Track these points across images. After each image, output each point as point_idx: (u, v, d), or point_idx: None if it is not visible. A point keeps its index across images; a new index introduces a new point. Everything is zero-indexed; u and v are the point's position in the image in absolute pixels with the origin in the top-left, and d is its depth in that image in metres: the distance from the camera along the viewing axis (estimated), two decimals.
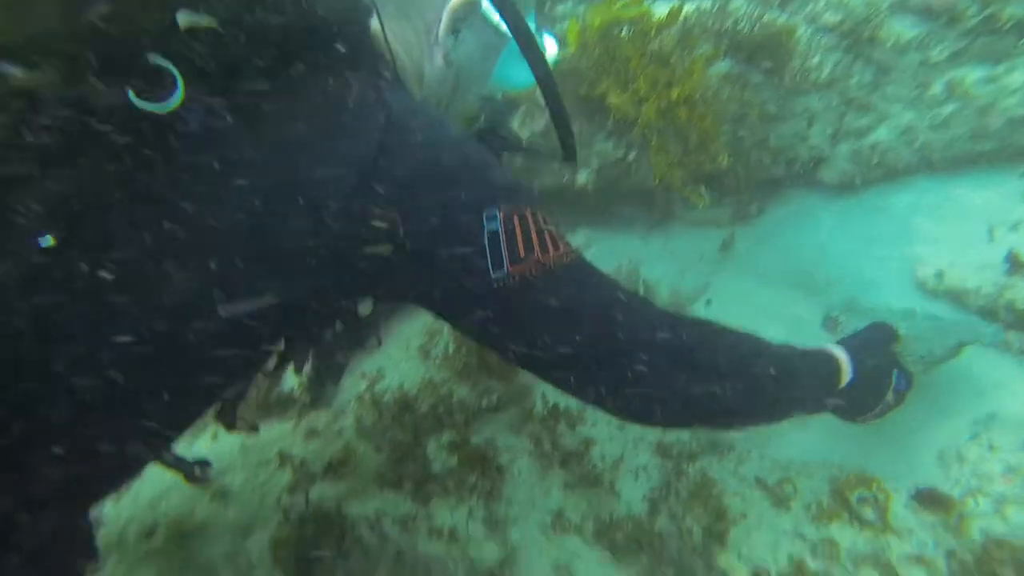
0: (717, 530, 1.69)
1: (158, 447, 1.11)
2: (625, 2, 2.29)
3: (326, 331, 1.29)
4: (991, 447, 1.70)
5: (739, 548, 1.64)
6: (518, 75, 1.46)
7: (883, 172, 2.34)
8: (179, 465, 1.33)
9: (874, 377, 1.48)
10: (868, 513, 1.61)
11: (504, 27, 1.28)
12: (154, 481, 1.93)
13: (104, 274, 0.80)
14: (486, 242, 0.98)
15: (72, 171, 0.78)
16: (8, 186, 0.76)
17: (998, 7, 2.01)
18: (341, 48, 0.99)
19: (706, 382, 1.16)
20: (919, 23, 2.17)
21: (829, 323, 2.16)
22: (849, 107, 2.31)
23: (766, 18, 2.28)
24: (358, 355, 1.90)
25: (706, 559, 1.63)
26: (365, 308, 1.61)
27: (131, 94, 0.78)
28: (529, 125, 2.54)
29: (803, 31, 2.30)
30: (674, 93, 2.16)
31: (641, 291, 2.41)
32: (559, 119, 1.22)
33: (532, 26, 1.41)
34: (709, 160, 2.15)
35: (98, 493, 1.03)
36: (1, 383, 0.79)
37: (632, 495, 1.86)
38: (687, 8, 2.36)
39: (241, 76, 0.87)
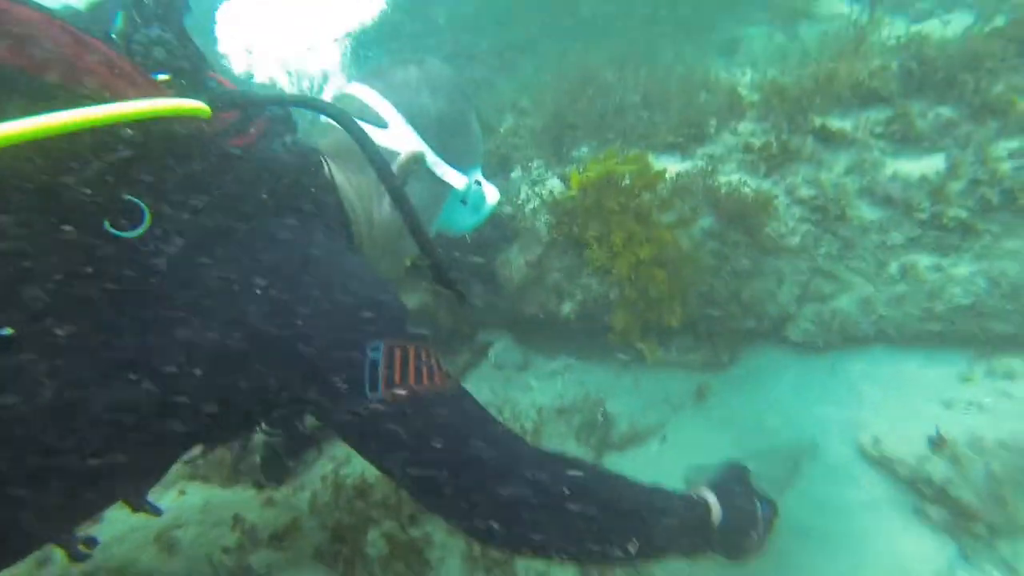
0: None
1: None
2: (625, 157, 2.58)
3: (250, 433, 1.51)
4: None
5: None
6: (460, 221, 1.72)
7: (842, 338, 2.45)
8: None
9: (741, 513, 1.54)
10: None
11: (447, 178, 1.57)
12: (113, 524, 2.09)
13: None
14: (367, 368, 1.13)
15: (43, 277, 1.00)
16: None
17: (943, 207, 2.21)
18: (289, 195, 1.28)
19: (578, 519, 1.22)
20: (880, 209, 2.37)
21: None
22: (815, 274, 2.48)
23: (750, 184, 2.52)
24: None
25: None
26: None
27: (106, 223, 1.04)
28: (525, 253, 2.81)
29: (781, 200, 2.52)
30: (643, 252, 2.37)
31: (600, 421, 2.52)
32: (440, 276, 1.51)
33: (477, 176, 1.70)
34: (664, 317, 2.33)
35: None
36: None
37: None
38: (681, 167, 2.64)
39: (202, 214, 1.14)
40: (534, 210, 2.81)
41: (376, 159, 1.38)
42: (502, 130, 3.17)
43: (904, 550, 1.91)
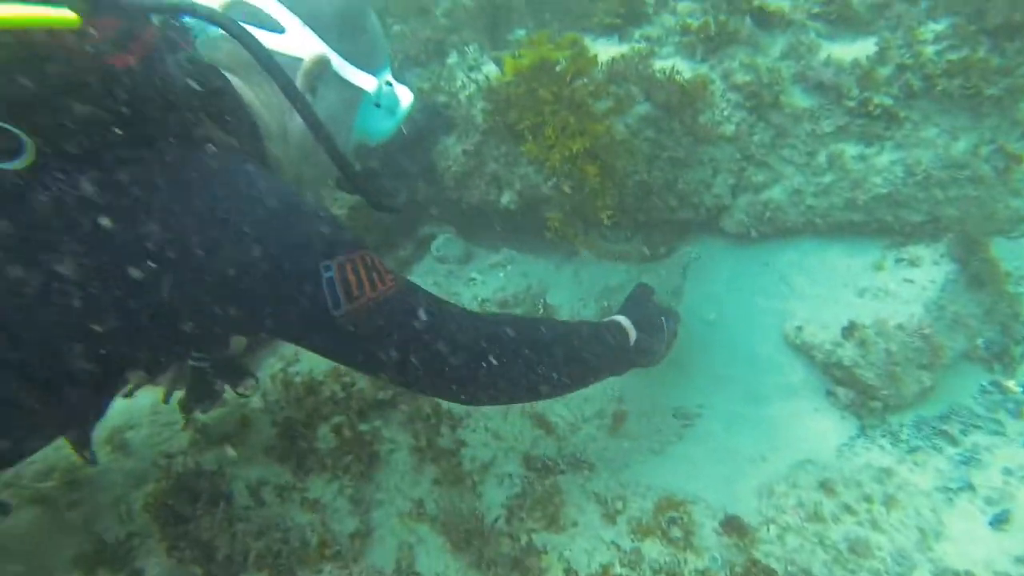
0: (548, 533, 1.90)
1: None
2: (558, 41, 2.47)
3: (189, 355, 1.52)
4: (794, 485, 1.91)
5: (562, 550, 1.84)
6: (376, 126, 1.68)
7: (774, 228, 2.53)
8: None
9: (652, 329, 1.95)
10: (676, 532, 1.81)
11: (357, 81, 1.49)
12: None
13: None
14: (325, 288, 1.24)
15: None
16: None
17: (870, 94, 2.21)
18: (198, 115, 1.22)
19: (535, 364, 1.53)
20: (813, 96, 2.36)
21: None
22: (749, 163, 2.50)
23: (686, 69, 2.46)
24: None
25: (529, 558, 1.83)
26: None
27: None
28: (463, 142, 2.74)
29: (717, 86, 2.48)
30: (576, 145, 2.33)
31: (541, 311, 2.61)
32: (356, 186, 1.50)
33: (387, 76, 1.62)
34: (597, 213, 2.34)
35: None
36: None
37: (490, 496, 2.05)
38: (617, 50, 2.54)
39: (102, 143, 1.08)
40: (470, 97, 2.71)
41: (274, 70, 1.29)
42: (438, 12, 2.97)
43: (815, 429, 2.11)
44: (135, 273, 1.11)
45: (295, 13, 1.43)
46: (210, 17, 1.26)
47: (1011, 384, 2.09)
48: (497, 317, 1.63)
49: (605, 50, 2.53)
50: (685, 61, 2.49)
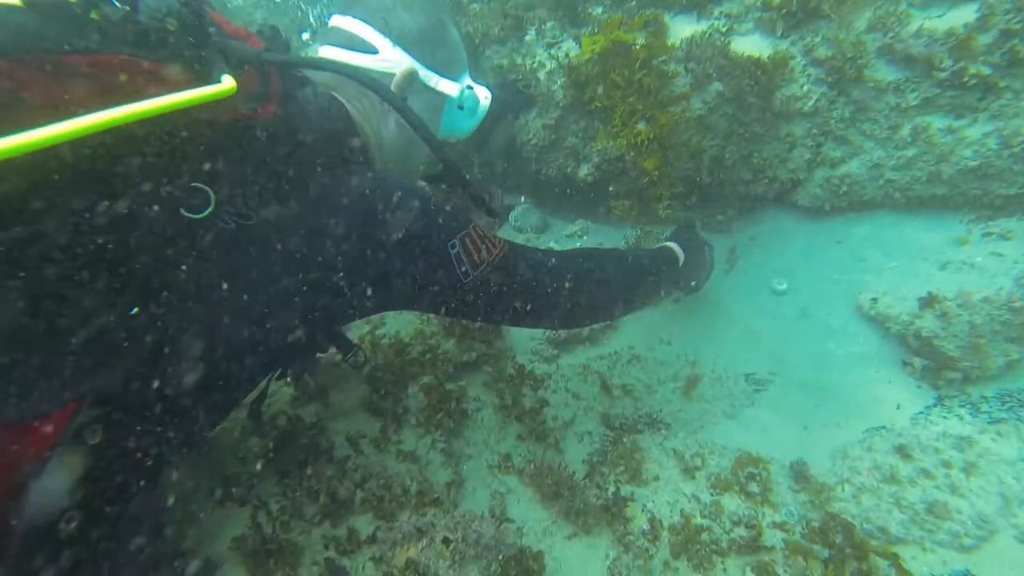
0: (631, 486, 2.01)
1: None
2: (632, 22, 2.51)
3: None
4: (869, 448, 1.97)
5: (645, 502, 1.96)
6: (460, 125, 1.92)
7: (849, 202, 2.55)
8: None
9: (697, 255, 2.31)
10: (754, 487, 1.91)
11: (441, 88, 1.69)
12: None
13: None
14: (454, 260, 1.51)
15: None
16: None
17: (965, 64, 2.19)
18: (337, 148, 1.46)
19: (614, 288, 1.86)
20: (899, 69, 2.35)
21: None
22: (827, 138, 2.52)
23: (766, 45, 2.49)
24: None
25: (615, 508, 1.95)
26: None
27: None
28: (543, 116, 2.83)
29: (798, 61, 2.50)
30: (642, 134, 2.41)
31: None
32: (463, 185, 1.66)
33: (467, 81, 1.77)
34: (653, 203, 2.44)
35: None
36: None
37: (571, 452, 2.18)
38: (696, 28, 2.58)
39: (264, 184, 1.30)
40: (550, 73, 2.79)
41: (384, 94, 1.47)
42: None
43: (889, 398, 2.16)
44: (312, 276, 1.37)
45: (385, 34, 1.64)
46: (335, 70, 1.47)
47: None
48: (579, 252, 1.92)
49: (684, 28, 2.57)
50: (765, 37, 2.51)
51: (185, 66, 1.18)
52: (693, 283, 2.34)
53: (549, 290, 1.69)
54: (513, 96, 2.83)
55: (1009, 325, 2.06)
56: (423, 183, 1.92)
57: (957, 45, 2.21)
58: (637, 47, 2.37)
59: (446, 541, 1.76)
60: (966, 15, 2.23)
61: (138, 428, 1.24)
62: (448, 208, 1.56)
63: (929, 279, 2.20)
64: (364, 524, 1.93)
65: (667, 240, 2.29)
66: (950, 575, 1.72)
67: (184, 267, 1.21)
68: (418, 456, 2.15)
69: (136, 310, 1.15)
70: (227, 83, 1.19)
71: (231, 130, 1.26)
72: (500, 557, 1.77)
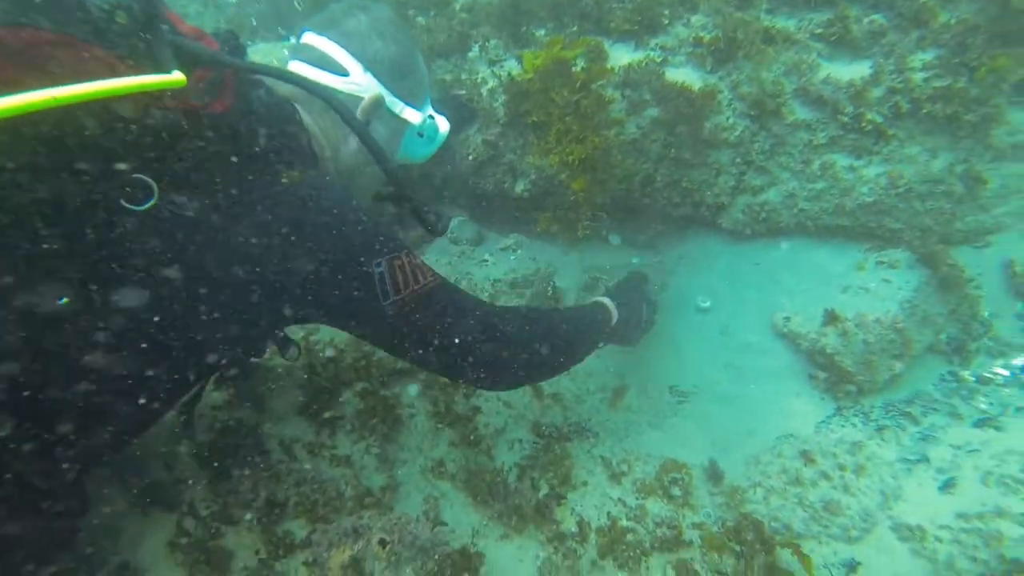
0: (560, 491, 2.10)
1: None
2: (572, 43, 2.63)
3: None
4: (779, 455, 2.16)
5: (574, 505, 2.06)
6: (419, 151, 1.98)
7: (767, 227, 2.76)
8: None
9: (632, 313, 2.31)
10: (676, 491, 2.04)
11: (405, 115, 1.77)
12: None
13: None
14: (376, 283, 1.49)
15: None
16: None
17: (863, 112, 2.45)
18: (278, 144, 1.45)
19: (542, 350, 1.82)
20: (811, 110, 2.59)
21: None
22: (749, 167, 2.73)
23: (696, 78, 2.67)
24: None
25: (545, 511, 2.03)
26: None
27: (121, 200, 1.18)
28: (484, 132, 2.91)
29: (724, 95, 2.69)
30: (573, 153, 2.53)
31: (550, 294, 2.80)
32: (412, 208, 1.69)
33: (429, 110, 1.85)
34: (577, 226, 2.58)
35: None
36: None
37: (503, 459, 2.25)
38: (633, 56, 2.74)
39: (205, 179, 1.29)
40: (491, 91, 2.88)
41: (348, 117, 1.51)
42: (457, 7, 3.12)
43: (795, 408, 2.37)
44: (237, 275, 1.35)
45: (357, 58, 1.68)
46: (297, 82, 1.50)
47: (966, 374, 2.37)
48: (509, 309, 1.88)
49: (621, 56, 2.72)
50: (696, 71, 2.70)
51: (134, 57, 1.17)
52: (634, 338, 2.37)
53: (471, 339, 1.65)
54: (455, 111, 2.90)
55: (894, 343, 2.31)
56: (371, 202, 1.95)
57: (855, 95, 2.47)
58: (578, 69, 2.49)
59: (382, 542, 1.79)
60: (863, 69, 2.50)
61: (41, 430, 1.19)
62: (384, 229, 1.56)
63: (833, 301, 2.43)
64: (298, 528, 1.93)
65: (604, 296, 2.28)
66: (841, 562, 1.90)
67: (118, 257, 1.19)
68: (352, 461, 2.17)
69: (65, 300, 1.12)
70: (177, 76, 1.19)
71: (177, 122, 1.25)
72: (436, 557, 1.82)
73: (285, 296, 1.45)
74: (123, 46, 1.17)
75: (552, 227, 2.78)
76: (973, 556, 1.80)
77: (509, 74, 2.83)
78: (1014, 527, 1.83)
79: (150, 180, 1.20)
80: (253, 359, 1.97)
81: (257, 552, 1.86)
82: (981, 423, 2.19)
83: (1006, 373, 2.28)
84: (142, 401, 1.34)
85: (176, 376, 1.40)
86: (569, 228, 2.80)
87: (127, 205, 1.17)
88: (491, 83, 2.88)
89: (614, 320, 2.20)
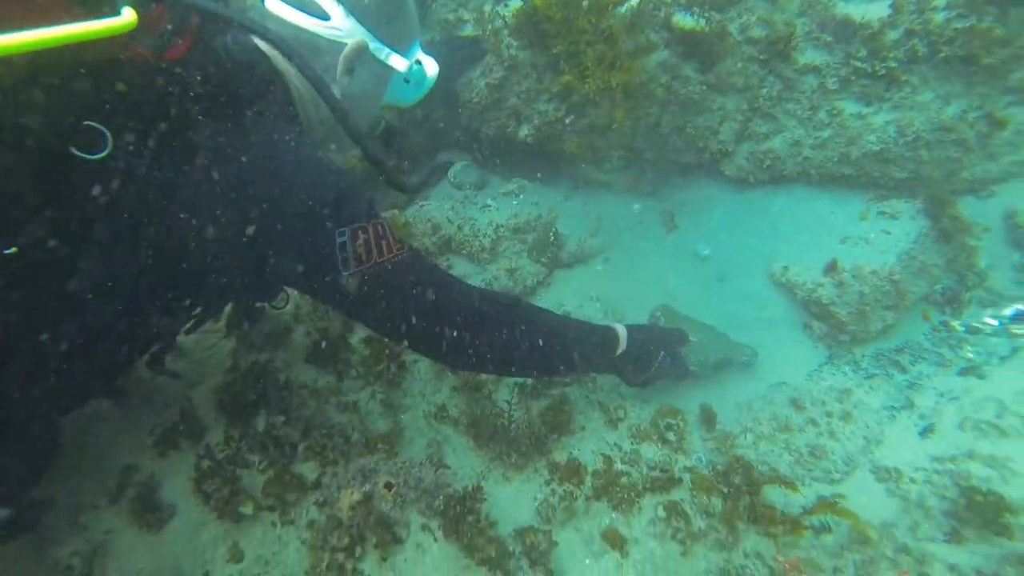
0: (558, 434, 2.20)
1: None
2: None
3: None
4: (770, 402, 2.24)
5: (570, 449, 2.15)
6: (406, 96, 1.90)
7: (771, 175, 2.75)
8: None
9: (643, 352, 2.06)
10: (671, 436, 2.13)
11: (391, 62, 1.69)
12: None
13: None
14: (338, 251, 1.43)
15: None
16: None
17: (877, 55, 2.39)
18: (241, 94, 1.39)
19: (519, 343, 1.71)
20: (823, 53, 2.52)
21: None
22: (755, 114, 2.69)
23: (704, 22, 2.59)
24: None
25: (543, 452, 2.13)
26: None
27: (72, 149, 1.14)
28: (487, 76, 2.85)
29: (734, 38, 2.62)
30: (614, 79, 2.47)
31: (551, 240, 2.82)
32: (374, 162, 1.60)
33: (417, 54, 1.78)
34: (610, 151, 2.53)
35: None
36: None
37: (502, 404, 2.32)
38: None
39: (160, 121, 1.24)
40: (496, 30, 2.80)
41: (309, 74, 1.45)
42: None
43: (791, 356, 2.43)
44: (194, 228, 1.32)
45: (342, 1, 1.59)
46: (261, 35, 1.42)
47: (956, 324, 2.42)
48: (490, 294, 1.80)
49: None
50: (704, 15, 2.61)
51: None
52: (638, 378, 2.10)
53: (448, 324, 1.60)
54: (458, 52, 2.83)
55: (888, 295, 2.35)
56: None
57: (871, 36, 2.39)
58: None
59: (388, 485, 1.89)
60: (880, 9, 2.41)
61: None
62: (350, 191, 1.49)
63: (832, 252, 2.45)
64: (308, 471, 2.04)
65: (621, 323, 2.08)
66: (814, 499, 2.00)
67: (72, 208, 1.17)
68: (359, 407, 2.25)
69: (14, 250, 1.11)
70: (126, 16, 1.14)
71: (130, 69, 1.20)
72: (440, 498, 1.93)
73: (247, 254, 1.41)
74: None
75: (583, 150, 2.72)
76: (942, 495, 1.91)
77: (523, 6, 2.72)
78: (982, 468, 1.93)
79: (103, 128, 1.16)
80: (258, 304, 2.02)
81: (270, 494, 1.97)
82: (965, 371, 2.25)
83: (995, 323, 2.32)
84: (102, 350, 1.34)
85: (134, 329, 1.39)
86: (599, 151, 2.75)
87: (79, 154, 1.14)
88: (496, 23, 2.79)
89: (620, 349, 2.01)
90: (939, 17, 2.33)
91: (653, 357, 2.09)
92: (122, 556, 1.83)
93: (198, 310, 1.61)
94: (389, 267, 1.50)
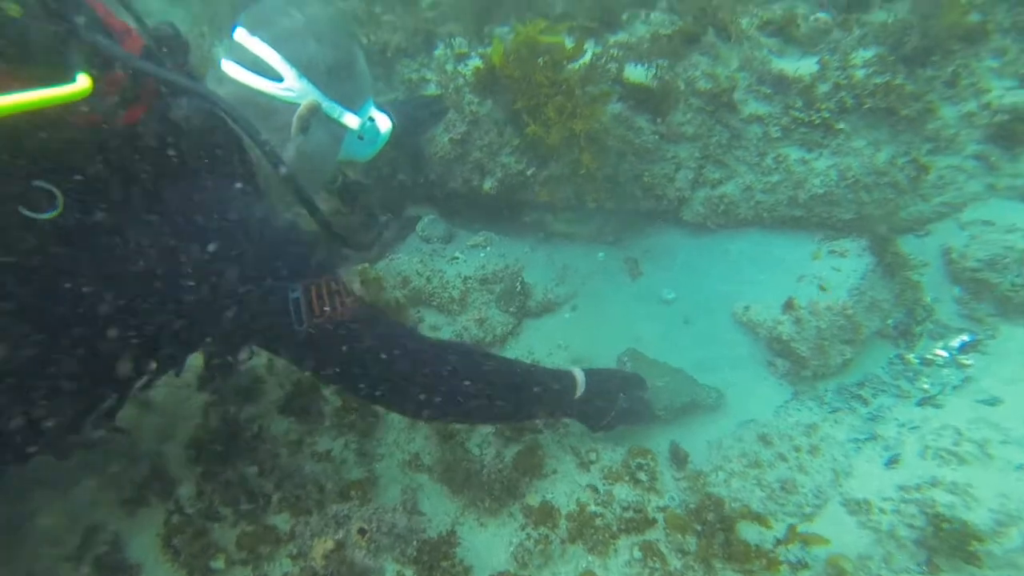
0: (531, 479, 2.20)
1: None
2: (542, 28, 2.69)
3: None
4: (739, 440, 2.29)
5: (544, 493, 2.16)
6: (360, 151, 1.98)
7: (727, 219, 2.88)
8: None
9: (602, 397, 2.11)
10: (642, 476, 2.16)
11: (344, 120, 1.77)
12: None
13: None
14: (291, 307, 1.46)
15: None
16: None
17: (812, 106, 2.58)
18: (200, 153, 1.43)
19: (479, 393, 1.77)
20: (764, 104, 2.70)
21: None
22: (707, 161, 2.84)
23: (653, 74, 2.75)
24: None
25: (517, 496, 2.14)
26: None
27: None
28: (450, 131, 2.97)
29: (682, 90, 2.78)
30: (576, 126, 2.59)
31: (519, 290, 2.88)
32: (322, 224, 1.65)
33: (371, 111, 1.88)
34: (588, 196, 2.64)
35: None
36: None
37: (475, 451, 2.33)
38: (593, 53, 2.81)
39: (112, 180, 1.27)
40: (457, 88, 2.93)
41: (253, 135, 1.48)
42: (423, 3, 3.17)
43: (757, 394, 2.49)
44: (151, 286, 1.36)
45: (292, 64, 1.65)
46: (212, 102, 1.44)
47: (911, 357, 2.52)
48: (447, 346, 1.86)
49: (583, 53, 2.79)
50: (654, 67, 2.78)
51: (44, 59, 1.12)
52: (599, 423, 2.14)
53: (400, 377, 1.64)
54: (422, 110, 2.95)
55: (844, 329, 2.45)
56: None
57: (804, 89, 2.58)
58: (550, 54, 2.54)
59: (361, 531, 1.88)
60: (810, 66, 2.61)
61: None
62: (302, 247, 1.53)
63: (789, 289, 2.55)
64: (282, 522, 2.01)
65: (578, 368, 2.11)
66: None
67: (19, 264, 1.19)
68: (333, 456, 2.24)
69: None
70: (81, 83, 1.14)
71: (84, 134, 1.22)
72: (414, 543, 1.91)
73: (202, 310, 1.43)
74: (22, 47, 1.10)
75: (555, 196, 2.81)
76: (911, 524, 1.95)
77: (477, 69, 2.87)
78: (945, 495, 1.99)
79: (53, 189, 1.19)
80: (223, 360, 2.00)
81: (244, 547, 1.93)
82: (922, 401, 2.34)
83: (945, 354, 2.43)
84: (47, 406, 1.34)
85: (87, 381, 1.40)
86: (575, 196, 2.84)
87: (29, 214, 1.17)
88: (458, 81, 2.93)
89: (578, 392, 2.03)
90: (859, 73, 2.55)
91: (612, 401, 2.13)
92: None
93: (153, 366, 1.59)
94: (342, 323, 1.52)
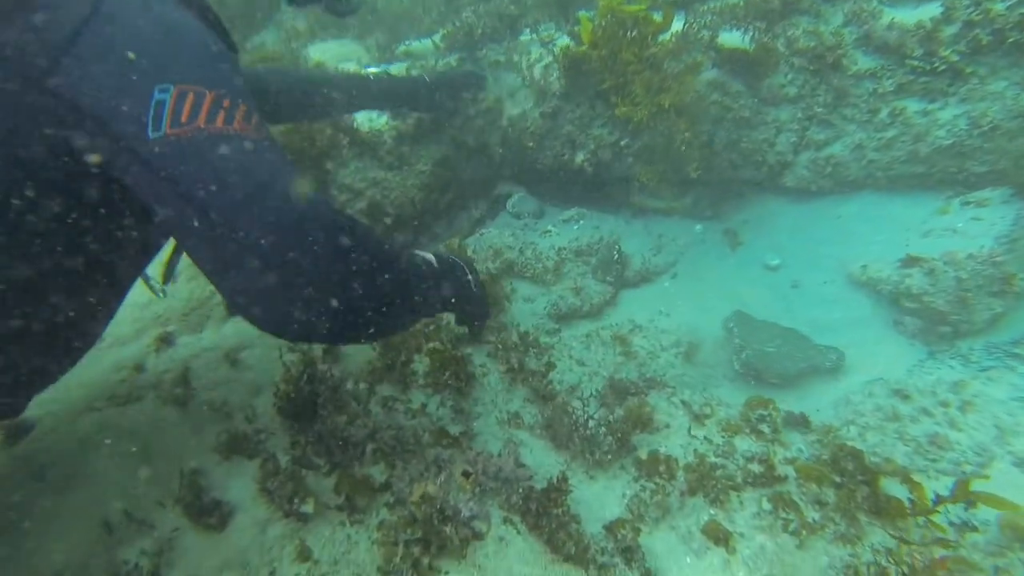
0: (643, 434, 2.04)
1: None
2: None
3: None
4: (870, 394, 2.04)
5: (658, 447, 1.98)
6: None
7: (834, 182, 2.70)
8: None
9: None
10: (764, 428, 1.95)
11: None
12: (187, 347, 2.31)
13: None
14: (152, 110, 1.04)
15: None
16: None
17: (934, 51, 2.39)
18: None
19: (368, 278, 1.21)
20: (875, 57, 2.55)
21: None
22: (811, 122, 2.69)
23: (749, 39, 2.67)
24: None
25: (629, 450, 1.97)
26: None
27: None
28: (541, 105, 2.93)
29: (781, 52, 2.68)
30: (665, 100, 2.52)
31: (615, 259, 2.76)
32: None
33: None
34: (686, 167, 2.53)
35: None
36: None
37: (578, 411, 2.19)
38: (684, 23, 2.75)
39: None
40: (546, 67, 2.92)
41: None
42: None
43: (884, 355, 2.25)
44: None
45: None
46: None
47: None
48: (337, 211, 1.22)
49: (673, 23, 2.74)
50: (749, 31, 2.69)
51: None
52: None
53: (270, 231, 1.08)
54: (459, 79, 2.88)
55: (991, 279, 2.19)
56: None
57: (926, 36, 2.41)
58: (637, 29, 2.50)
59: (466, 474, 1.75)
60: (932, 10, 2.45)
61: None
62: (208, 55, 1.15)
63: (915, 246, 2.34)
64: (377, 473, 1.90)
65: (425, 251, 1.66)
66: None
67: None
68: (428, 412, 2.14)
69: None
70: None
71: None
72: (521, 490, 1.77)
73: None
74: None
75: (657, 179, 2.73)
76: None
77: (571, 43, 2.85)
78: None
79: None
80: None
81: (339, 492, 1.83)
82: None
83: None
84: None
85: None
86: (674, 172, 2.74)
87: None
88: (545, 60, 2.92)
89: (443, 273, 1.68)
90: (998, 6, 2.35)
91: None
92: (188, 554, 1.70)
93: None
94: (212, 138, 1.06)
